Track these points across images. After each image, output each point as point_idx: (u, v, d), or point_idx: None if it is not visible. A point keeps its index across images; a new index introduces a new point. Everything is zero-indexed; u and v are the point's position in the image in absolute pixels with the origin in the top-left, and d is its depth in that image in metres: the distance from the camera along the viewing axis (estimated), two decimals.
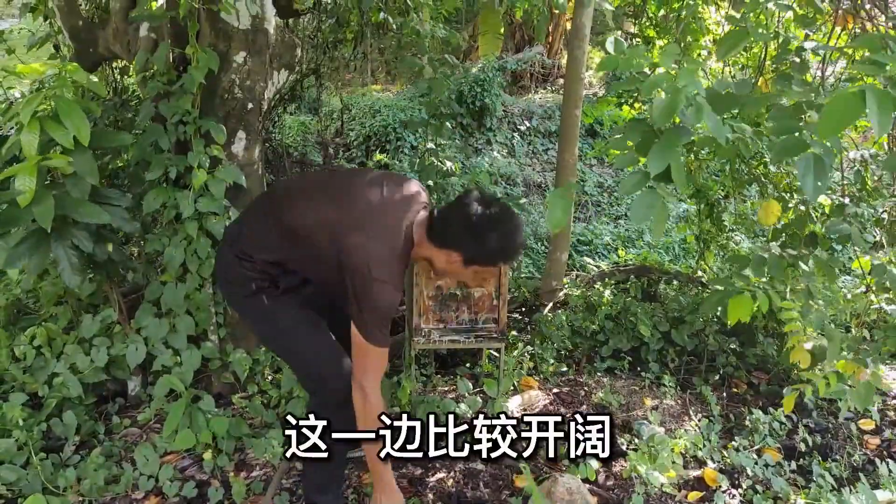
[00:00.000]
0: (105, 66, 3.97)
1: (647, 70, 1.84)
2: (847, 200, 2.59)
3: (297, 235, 2.05)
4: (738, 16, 2.16)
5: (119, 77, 4.20)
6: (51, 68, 2.60)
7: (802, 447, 2.79)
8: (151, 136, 2.78)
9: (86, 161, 2.30)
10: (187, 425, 2.59)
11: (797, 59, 2.14)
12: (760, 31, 1.88)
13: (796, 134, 1.72)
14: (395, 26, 3.97)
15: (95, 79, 2.68)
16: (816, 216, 2.74)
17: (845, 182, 2.77)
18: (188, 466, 2.58)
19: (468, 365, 3.43)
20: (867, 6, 2.64)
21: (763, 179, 3.17)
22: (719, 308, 2.28)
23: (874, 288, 2.70)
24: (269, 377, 3.12)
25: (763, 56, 2.68)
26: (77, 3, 3.29)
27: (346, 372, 2.08)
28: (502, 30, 10.08)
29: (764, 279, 2.25)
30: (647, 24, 4.48)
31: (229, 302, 2.58)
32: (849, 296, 3.23)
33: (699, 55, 4.01)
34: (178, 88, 2.73)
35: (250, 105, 2.97)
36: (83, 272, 2.47)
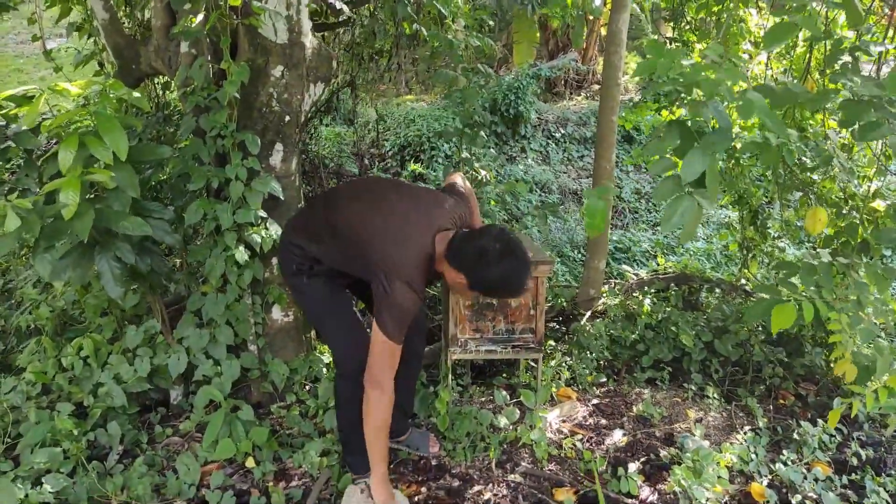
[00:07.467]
0: (147, 81, 4.06)
1: (687, 71, 1.79)
2: None
3: (338, 231, 2.31)
4: (784, 6, 2.11)
5: (161, 92, 4.30)
6: (95, 85, 2.67)
7: (854, 461, 2.69)
8: (192, 150, 2.84)
9: (127, 175, 2.35)
10: (227, 435, 2.62)
11: (849, 59, 2.07)
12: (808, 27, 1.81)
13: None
14: (426, 39, 3.98)
15: (138, 94, 2.74)
16: (868, 223, 2.64)
17: None
18: (229, 476, 2.60)
19: (505, 375, 3.40)
20: None
21: (805, 187, 3.06)
22: (763, 318, 2.23)
23: None
24: (307, 387, 3.14)
25: (808, 58, 2.60)
26: (120, 22, 3.38)
27: (359, 353, 2.26)
28: (538, 36, 10.06)
29: (812, 288, 2.17)
30: (686, 27, 4.41)
31: (285, 282, 2.79)
32: None
33: (740, 58, 3.92)
34: (216, 102, 2.78)
35: (287, 118, 3.00)
36: (126, 284, 2.52)
